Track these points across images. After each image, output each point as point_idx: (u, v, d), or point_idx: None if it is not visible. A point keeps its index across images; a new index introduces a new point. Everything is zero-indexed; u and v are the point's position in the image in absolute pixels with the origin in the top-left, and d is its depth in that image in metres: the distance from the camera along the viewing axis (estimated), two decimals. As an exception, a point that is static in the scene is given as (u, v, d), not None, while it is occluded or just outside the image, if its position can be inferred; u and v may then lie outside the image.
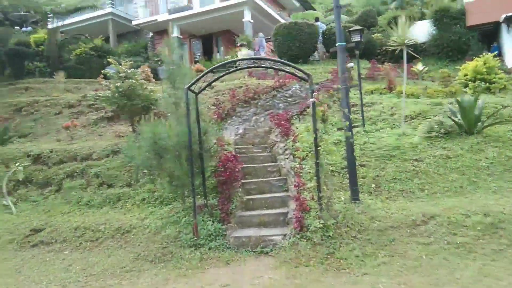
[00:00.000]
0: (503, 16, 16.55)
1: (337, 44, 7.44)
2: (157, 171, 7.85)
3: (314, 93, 7.01)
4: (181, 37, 21.15)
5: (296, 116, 11.04)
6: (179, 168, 7.19)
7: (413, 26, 19.78)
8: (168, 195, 8.45)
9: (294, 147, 9.02)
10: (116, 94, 10.19)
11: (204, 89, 7.71)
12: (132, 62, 11.48)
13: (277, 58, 19.14)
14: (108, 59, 14.04)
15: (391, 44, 9.91)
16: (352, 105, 10.75)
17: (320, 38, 17.56)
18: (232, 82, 13.48)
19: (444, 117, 8.92)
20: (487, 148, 8.08)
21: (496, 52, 15.17)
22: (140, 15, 23.17)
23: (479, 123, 8.67)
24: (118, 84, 10.16)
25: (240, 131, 11.23)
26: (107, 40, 23.62)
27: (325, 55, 18.02)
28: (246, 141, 10.63)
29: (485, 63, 12.49)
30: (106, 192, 9.23)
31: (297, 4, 26.18)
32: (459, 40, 17.35)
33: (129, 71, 10.51)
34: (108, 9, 23.58)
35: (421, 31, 19.06)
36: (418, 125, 9.61)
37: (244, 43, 16.79)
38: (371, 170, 8.00)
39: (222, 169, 8.08)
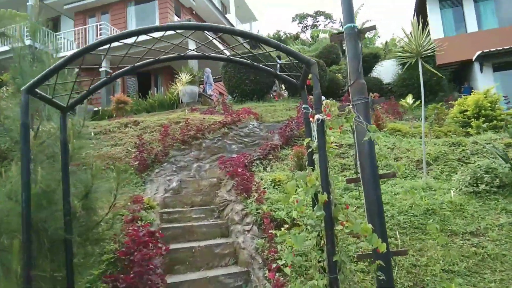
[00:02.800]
0: (477, 53, 14.52)
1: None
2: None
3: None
4: (111, 71, 17.16)
5: (257, 161, 7.28)
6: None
7: (378, 66, 17.58)
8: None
9: (259, 211, 5.18)
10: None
11: (81, 101, 3.74)
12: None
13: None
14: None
15: (401, 54, 6.69)
16: (337, 145, 7.23)
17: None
18: (167, 117, 9.58)
19: (493, 162, 5.56)
20: None
21: (467, 93, 12.89)
22: (64, 49, 18.99)
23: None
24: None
25: (174, 184, 7.21)
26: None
27: (282, 93, 14.83)
28: (181, 200, 6.61)
29: (486, 97, 9.77)
30: None
31: (241, 40, 23.43)
32: (430, 79, 14.99)
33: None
34: (27, 41, 19.15)
35: (387, 71, 16.76)
36: (441, 173, 6.22)
37: (188, 76, 13.11)
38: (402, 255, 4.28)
39: (125, 262, 4.03)
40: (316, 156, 3.24)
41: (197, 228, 5.55)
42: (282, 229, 3.13)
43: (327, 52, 16.19)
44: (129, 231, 4.49)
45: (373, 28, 4.30)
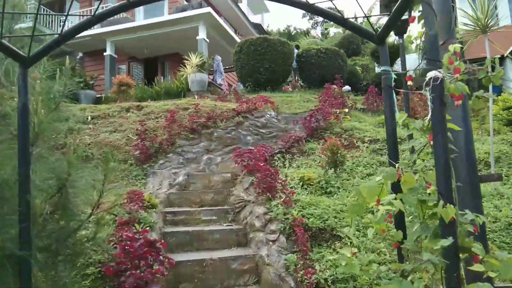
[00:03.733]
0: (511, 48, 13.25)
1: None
2: None
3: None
4: (116, 56, 16.06)
5: (278, 155, 6.14)
6: None
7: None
8: None
9: (288, 217, 4.06)
10: None
11: (49, 50, 2.55)
12: None
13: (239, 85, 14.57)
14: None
15: (463, 27, 5.52)
16: (370, 140, 6.13)
17: (294, 63, 13.22)
18: (174, 102, 8.45)
19: None
20: None
21: (496, 92, 11.65)
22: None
23: None
24: None
25: (180, 178, 6.09)
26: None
27: (297, 84, 13.64)
28: (189, 197, 5.50)
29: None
30: None
31: (252, 31, 22.14)
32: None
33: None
34: (29, 23, 18.06)
35: (410, 65, 15.51)
36: (506, 176, 5.05)
37: (198, 59, 11.89)
38: None
39: (113, 283, 2.95)
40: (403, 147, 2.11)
41: (208, 234, 4.43)
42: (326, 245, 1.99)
43: (347, 43, 14.97)
44: (123, 238, 3.39)
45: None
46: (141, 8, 17.26)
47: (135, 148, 6.27)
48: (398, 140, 2.49)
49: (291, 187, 4.74)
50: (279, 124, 8.25)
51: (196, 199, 5.45)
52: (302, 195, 4.52)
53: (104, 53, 15.88)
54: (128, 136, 6.90)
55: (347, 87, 10.14)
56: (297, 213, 4.04)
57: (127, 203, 4.34)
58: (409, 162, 1.86)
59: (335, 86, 9.25)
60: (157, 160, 6.38)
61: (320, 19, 45.05)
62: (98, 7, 2.30)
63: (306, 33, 38.61)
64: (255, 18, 26.84)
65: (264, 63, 11.99)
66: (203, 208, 5.14)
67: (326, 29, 30.13)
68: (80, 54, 18.42)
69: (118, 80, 10.46)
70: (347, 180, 5.03)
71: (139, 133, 6.46)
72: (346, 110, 7.26)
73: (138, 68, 17.68)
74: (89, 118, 7.53)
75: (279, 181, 4.66)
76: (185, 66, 10.62)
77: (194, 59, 10.39)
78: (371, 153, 5.90)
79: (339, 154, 4.95)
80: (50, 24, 19.24)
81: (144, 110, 7.89)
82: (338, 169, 5.03)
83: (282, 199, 4.31)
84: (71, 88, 3.21)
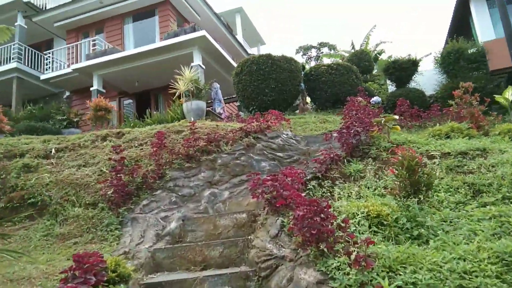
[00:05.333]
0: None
1: None
2: None
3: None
4: (104, 91, 14.40)
5: (313, 181, 4.16)
6: None
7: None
8: None
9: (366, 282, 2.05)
10: None
11: None
12: None
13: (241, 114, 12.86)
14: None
15: None
16: (439, 156, 4.20)
17: (301, 84, 11.52)
18: (163, 126, 6.59)
19: None
20: None
21: None
22: (50, 68, 16.38)
23: None
24: None
25: (172, 225, 4.11)
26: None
27: (306, 106, 11.87)
28: (184, 255, 3.50)
29: None
30: None
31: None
32: (485, 88, 12.07)
33: None
34: (13, 64, 16.58)
35: (428, 81, 13.92)
36: None
37: (192, 87, 10.12)
38: None
39: None
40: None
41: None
42: None
43: (357, 60, 13.37)
44: None
45: None
46: (131, 36, 15.90)
47: (109, 185, 4.33)
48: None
49: (354, 231, 2.79)
50: (299, 146, 6.37)
51: (197, 257, 3.45)
52: (378, 245, 2.56)
53: (91, 88, 14.26)
54: (100, 170, 4.98)
55: (376, 98, 8.33)
56: (389, 284, 2.06)
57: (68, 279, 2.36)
58: None
59: (359, 98, 7.46)
60: (139, 201, 4.42)
61: (313, 54, 44.04)
62: None
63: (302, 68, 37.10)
64: (251, 51, 25.73)
65: (270, 83, 10.29)
66: (208, 273, 3.14)
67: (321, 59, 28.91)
68: (67, 93, 16.83)
69: (94, 103, 8.65)
70: (433, 214, 3.08)
71: (114, 164, 4.55)
72: (396, 117, 5.39)
73: (130, 104, 16.02)
74: (53, 151, 5.64)
75: (333, 221, 2.70)
76: (178, 78, 8.81)
77: (187, 73, 8.64)
78: (448, 172, 3.98)
79: (420, 173, 3.04)
80: (36, 65, 17.80)
81: (125, 137, 6.01)
82: (422, 197, 3.09)
83: (347, 254, 2.34)
84: None
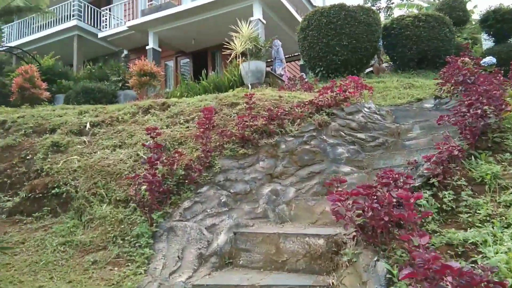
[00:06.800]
0: None
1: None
2: None
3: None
4: (160, 50, 13.52)
5: (426, 190, 2.76)
6: None
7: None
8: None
9: None
10: None
11: None
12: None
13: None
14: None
15: None
16: None
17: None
18: (215, 95, 5.41)
19: None
20: None
21: None
22: (108, 25, 15.78)
23: None
24: None
25: (220, 240, 3.03)
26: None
27: (382, 66, 9.97)
28: (235, 297, 2.42)
29: None
30: None
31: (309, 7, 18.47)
32: None
33: None
34: (73, 22, 16.23)
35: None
36: None
37: (251, 46, 8.69)
38: None
39: None
40: None
41: None
42: None
43: (448, 9, 10.89)
44: None
45: None
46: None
47: (140, 181, 3.30)
48: None
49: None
50: (385, 123, 4.89)
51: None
52: None
53: (147, 47, 13.46)
54: (137, 155, 3.98)
55: (489, 59, 6.36)
56: None
57: None
58: None
59: (466, 58, 5.63)
60: (180, 201, 3.35)
61: (383, 5, 38.67)
62: None
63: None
64: (316, 3, 23.26)
65: (342, 40, 8.56)
66: None
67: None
68: (125, 52, 16.29)
69: (138, 67, 7.65)
70: None
71: (148, 153, 3.51)
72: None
73: (186, 63, 15.10)
74: (88, 125, 4.75)
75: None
76: (233, 42, 7.48)
77: (245, 30, 7.26)
78: None
79: None
80: (95, 23, 17.34)
81: (170, 110, 4.94)
82: None
83: None
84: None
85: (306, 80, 8.56)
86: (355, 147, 4.31)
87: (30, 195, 3.80)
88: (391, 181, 2.48)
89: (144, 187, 3.29)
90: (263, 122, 4.11)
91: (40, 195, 3.77)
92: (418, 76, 8.74)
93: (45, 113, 5.06)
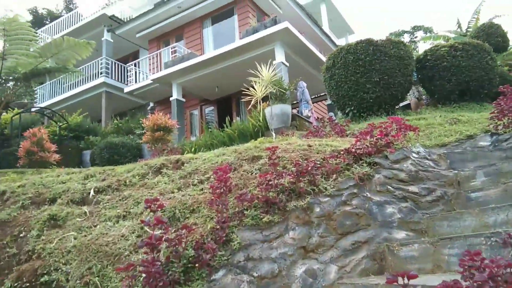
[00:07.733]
0: None
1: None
2: None
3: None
4: (184, 100, 13.33)
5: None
6: None
7: None
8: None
9: None
10: None
11: None
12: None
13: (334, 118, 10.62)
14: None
15: None
16: None
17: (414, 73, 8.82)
18: (234, 148, 4.71)
19: None
20: None
21: None
22: (133, 80, 15.95)
23: None
24: None
25: None
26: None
27: (421, 101, 9.10)
28: None
29: None
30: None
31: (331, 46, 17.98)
32: None
33: None
34: (101, 79, 16.63)
35: None
36: None
37: (274, 89, 8.15)
38: None
39: None
40: None
41: None
42: None
43: (485, 35, 10.03)
44: None
45: None
46: (210, 40, 14.65)
47: (135, 273, 2.57)
48: None
49: None
50: (440, 170, 3.99)
51: None
52: None
53: (170, 98, 13.32)
54: (141, 228, 3.29)
55: None
56: None
57: None
58: None
59: None
60: (187, 295, 2.58)
61: (406, 39, 38.50)
62: None
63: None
64: (339, 42, 23.05)
65: (373, 76, 7.86)
66: None
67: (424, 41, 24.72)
68: (151, 104, 16.32)
69: (151, 122, 7.17)
70: None
71: (146, 230, 2.81)
72: None
73: (211, 111, 14.83)
74: (92, 192, 4.17)
75: None
76: (253, 88, 6.90)
77: (265, 73, 6.70)
78: None
79: None
80: (122, 78, 17.68)
81: (184, 168, 4.30)
82: None
83: None
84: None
85: (335, 121, 7.83)
86: (408, 204, 3.43)
87: (16, 284, 3.15)
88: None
89: (142, 277, 2.55)
90: (291, 180, 3.35)
91: (27, 284, 3.12)
92: (462, 110, 7.82)
93: (48, 179, 4.55)
